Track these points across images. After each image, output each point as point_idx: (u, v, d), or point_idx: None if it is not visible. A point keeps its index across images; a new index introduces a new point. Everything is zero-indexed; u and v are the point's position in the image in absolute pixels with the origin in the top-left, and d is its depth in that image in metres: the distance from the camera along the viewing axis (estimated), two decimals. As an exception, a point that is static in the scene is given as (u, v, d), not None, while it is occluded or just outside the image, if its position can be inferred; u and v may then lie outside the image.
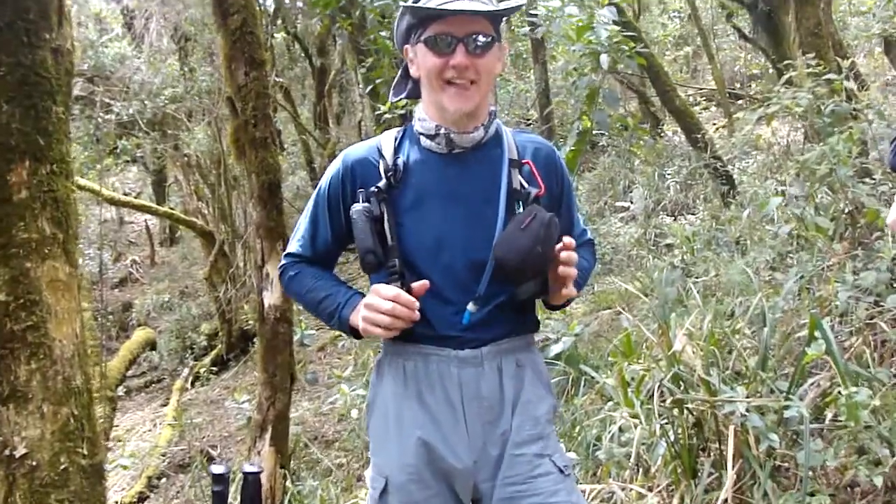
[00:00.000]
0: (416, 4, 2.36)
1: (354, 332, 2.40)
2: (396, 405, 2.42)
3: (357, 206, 2.35)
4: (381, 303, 2.23)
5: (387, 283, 2.30)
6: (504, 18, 2.49)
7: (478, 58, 2.32)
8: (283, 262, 2.60)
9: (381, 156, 2.44)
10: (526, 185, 2.43)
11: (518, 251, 2.29)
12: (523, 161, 2.46)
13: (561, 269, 2.34)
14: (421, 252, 2.37)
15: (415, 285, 2.29)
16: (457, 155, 2.42)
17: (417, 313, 2.24)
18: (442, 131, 2.39)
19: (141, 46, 16.49)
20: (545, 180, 2.44)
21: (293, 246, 2.57)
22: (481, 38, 2.32)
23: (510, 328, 2.46)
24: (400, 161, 2.41)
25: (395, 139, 2.49)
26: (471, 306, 2.35)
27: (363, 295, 2.39)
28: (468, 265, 2.37)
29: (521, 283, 2.39)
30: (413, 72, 2.47)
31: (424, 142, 2.44)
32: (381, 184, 2.37)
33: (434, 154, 2.43)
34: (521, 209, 2.39)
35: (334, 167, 2.50)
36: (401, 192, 2.39)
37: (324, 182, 2.52)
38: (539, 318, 2.63)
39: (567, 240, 2.35)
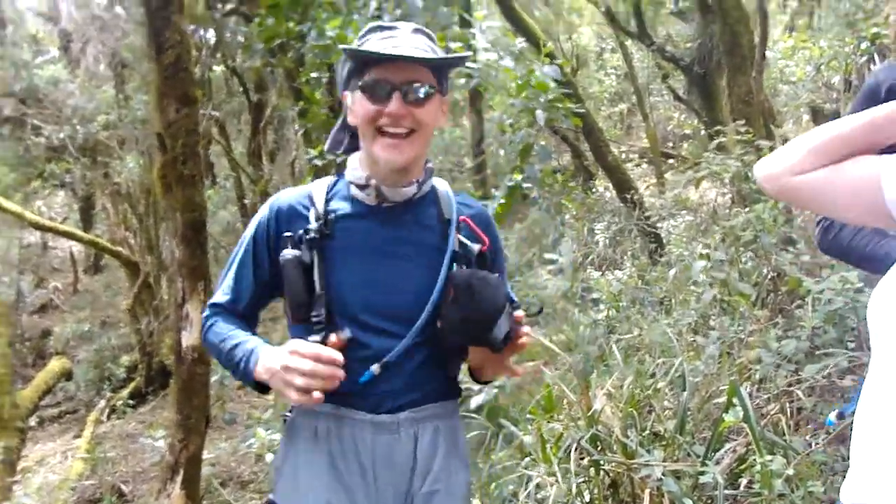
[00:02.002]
0: (355, 47, 2.28)
1: (260, 387, 2.24)
2: (307, 471, 2.31)
3: (287, 254, 2.24)
4: (301, 363, 2.06)
5: (310, 336, 2.19)
6: (450, 71, 2.41)
7: (415, 107, 2.22)
8: (205, 312, 2.43)
9: (312, 203, 2.34)
10: (468, 242, 2.35)
11: (454, 328, 2.25)
12: (461, 218, 2.38)
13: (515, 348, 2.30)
14: (347, 305, 2.27)
15: (333, 338, 2.18)
16: (388, 209, 2.34)
17: (341, 371, 2.09)
18: (372, 182, 2.30)
19: (76, 71, 16.28)
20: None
21: (217, 296, 2.42)
22: (421, 88, 2.23)
23: (430, 393, 2.38)
24: (332, 210, 2.32)
25: (328, 187, 2.39)
26: (375, 368, 2.25)
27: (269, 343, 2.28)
28: (392, 324, 2.28)
29: (483, 342, 2.27)
30: (350, 120, 2.37)
31: (354, 191, 2.34)
32: (312, 228, 2.27)
33: (365, 206, 2.34)
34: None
35: (262, 213, 2.39)
36: (331, 241, 2.29)
37: (250, 229, 2.40)
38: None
39: (519, 313, 2.28)
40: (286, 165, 17.88)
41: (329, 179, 2.45)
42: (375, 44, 2.27)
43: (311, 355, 2.07)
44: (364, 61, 2.27)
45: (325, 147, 2.60)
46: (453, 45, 6.25)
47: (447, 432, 2.42)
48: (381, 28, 2.33)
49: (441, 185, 2.47)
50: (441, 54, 2.31)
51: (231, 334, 2.32)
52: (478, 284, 2.23)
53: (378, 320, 2.27)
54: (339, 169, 2.52)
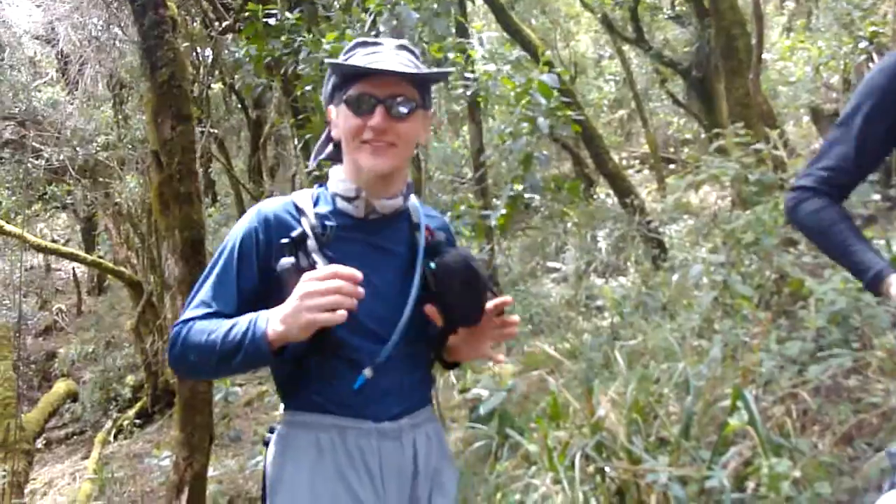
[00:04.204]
0: (340, 61, 2.30)
1: (267, 354, 2.09)
2: (312, 485, 2.26)
3: (285, 262, 2.17)
4: (321, 284, 2.01)
5: (311, 342, 2.11)
6: (432, 85, 2.44)
7: (398, 121, 2.25)
8: (171, 336, 2.25)
9: (300, 212, 2.32)
10: (435, 236, 2.42)
11: (463, 301, 2.29)
12: (426, 227, 2.43)
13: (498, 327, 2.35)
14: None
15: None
16: (372, 221, 2.35)
17: (360, 289, 2.04)
18: (362, 194, 2.32)
19: (74, 92, 16.30)
20: None
21: (190, 312, 2.25)
22: (403, 102, 2.25)
23: (421, 399, 2.44)
24: (322, 218, 2.31)
25: (312, 198, 2.39)
26: (367, 372, 2.25)
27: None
28: (379, 329, 2.29)
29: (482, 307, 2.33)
30: (334, 133, 2.40)
31: (341, 203, 2.35)
32: (309, 240, 2.24)
33: (349, 218, 2.34)
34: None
35: (246, 222, 2.32)
36: (325, 249, 2.27)
37: (233, 238, 2.32)
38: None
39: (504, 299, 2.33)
40: (286, 180, 17.89)
41: (310, 191, 2.44)
42: (360, 59, 2.29)
43: (328, 275, 2.04)
44: (348, 76, 2.30)
45: (311, 158, 2.60)
46: (451, 56, 6.27)
47: (435, 436, 2.47)
48: (366, 43, 2.36)
49: (411, 197, 2.50)
50: (424, 70, 2.33)
51: (219, 323, 2.18)
52: (468, 255, 2.32)
53: (366, 325, 2.26)
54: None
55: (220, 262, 2.31)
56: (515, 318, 2.37)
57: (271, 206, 2.36)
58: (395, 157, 2.29)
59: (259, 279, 2.28)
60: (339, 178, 2.37)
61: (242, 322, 2.13)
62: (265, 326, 2.08)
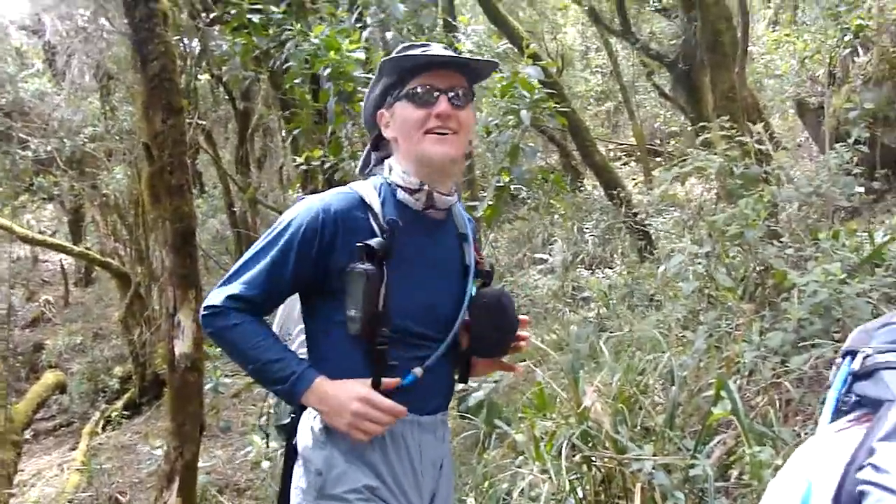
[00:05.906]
0: (416, 53, 2.42)
1: (294, 406, 2.41)
2: (360, 461, 2.32)
3: (361, 266, 2.23)
4: (379, 416, 2.23)
5: (368, 353, 2.29)
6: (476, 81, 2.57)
7: (458, 110, 2.37)
8: (220, 303, 2.30)
9: (368, 208, 2.34)
10: (480, 258, 2.57)
11: (489, 342, 2.51)
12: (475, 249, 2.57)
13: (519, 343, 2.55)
14: (405, 315, 2.33)
15: (386, 381, 2.29)
16: (428, 218, 2.43)
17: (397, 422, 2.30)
18: (425, 187, 2.37)
19: (62, 83, 16.24)
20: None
21: (236, 287, 2.30)
22: (462, 92, 2.39)
23: (449, 397, 2.58)
24: (389, 219, 2.33)
25: (378, 191, 2.40)
26: (417, 371, 2.34)
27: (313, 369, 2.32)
28: (433, 331, 2.40)
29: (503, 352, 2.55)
30: (388, 133, 2.46)
31: (401, 195, 2.39)
32: (377, 242, 2.26)
33: (411, 212, 2.39)
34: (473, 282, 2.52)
35: (311, 212, 2.31)
36: (392, 253, 2.30)
37: (295, 225, 2.30)
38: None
39: (524, 317, 2.54)
40: (274, 172, 17.86)
41: (374, 182, 2.45)
42: (418, 57, 2.42)
43: (387, 409, 2.25)
44: (405, 74, 2.41)
45: (357, 170, 2.72)
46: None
47: (449, 434, 2.61)
48: (415, 45, 2.50)
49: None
50: (485, 59, 2.56)
51: (268, 343, 2.32)
52: (507, 303, 2.48)
53: (422, 327, 2.38)
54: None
55: (278, 248, 2.32)
56: (525, 318, 2.56)
57: (339, 201, 2.35)
58: (458, 143, 2.40)
59: (313, 275, 2.34)
60: (402, 171, 2.41)
61: (287, 364, 2.30)
62: (304, 390, 2.29)
